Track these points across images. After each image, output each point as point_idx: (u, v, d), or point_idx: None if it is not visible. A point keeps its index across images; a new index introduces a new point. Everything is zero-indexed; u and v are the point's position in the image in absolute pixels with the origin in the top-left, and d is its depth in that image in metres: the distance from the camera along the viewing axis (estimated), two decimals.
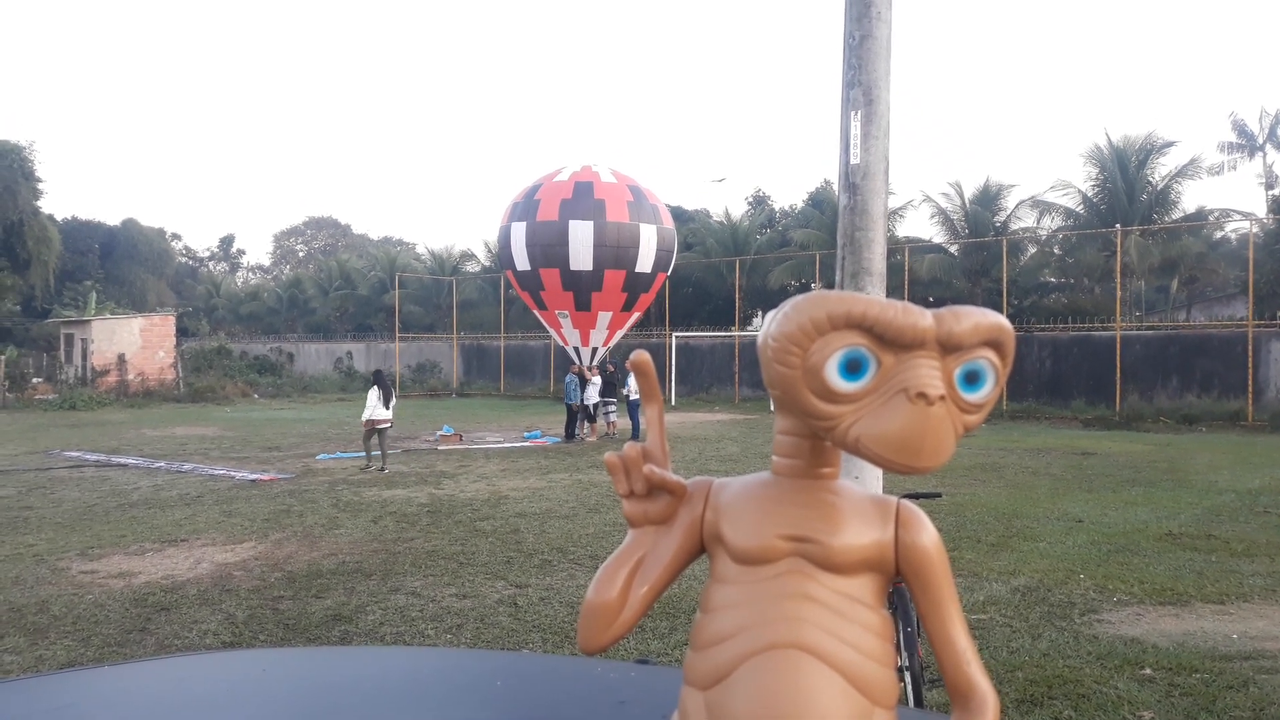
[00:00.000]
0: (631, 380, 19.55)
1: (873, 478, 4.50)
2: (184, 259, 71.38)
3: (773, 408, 0.87)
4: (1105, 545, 8.56)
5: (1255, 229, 26.52)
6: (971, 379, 0.80)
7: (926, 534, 0.86)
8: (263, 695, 1.18)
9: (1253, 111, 49.37)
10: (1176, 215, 29.87)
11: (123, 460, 15.44)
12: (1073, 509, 10.41)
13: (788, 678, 0.79)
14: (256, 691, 1.19)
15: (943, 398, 0.76)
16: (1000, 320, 0.80)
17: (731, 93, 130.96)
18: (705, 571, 0.87)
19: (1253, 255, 23.65)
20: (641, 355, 0.92)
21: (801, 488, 0.86)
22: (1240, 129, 38.92)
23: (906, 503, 0.87)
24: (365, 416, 14.30)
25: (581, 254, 20.16)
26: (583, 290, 20.50)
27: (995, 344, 0.80)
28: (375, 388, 14.37)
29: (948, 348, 0.78)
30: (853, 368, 0.77)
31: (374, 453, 14.34)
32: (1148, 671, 5.23)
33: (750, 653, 0.80)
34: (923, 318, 0.77)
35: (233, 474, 13.61)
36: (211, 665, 1.45)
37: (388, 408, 14.20)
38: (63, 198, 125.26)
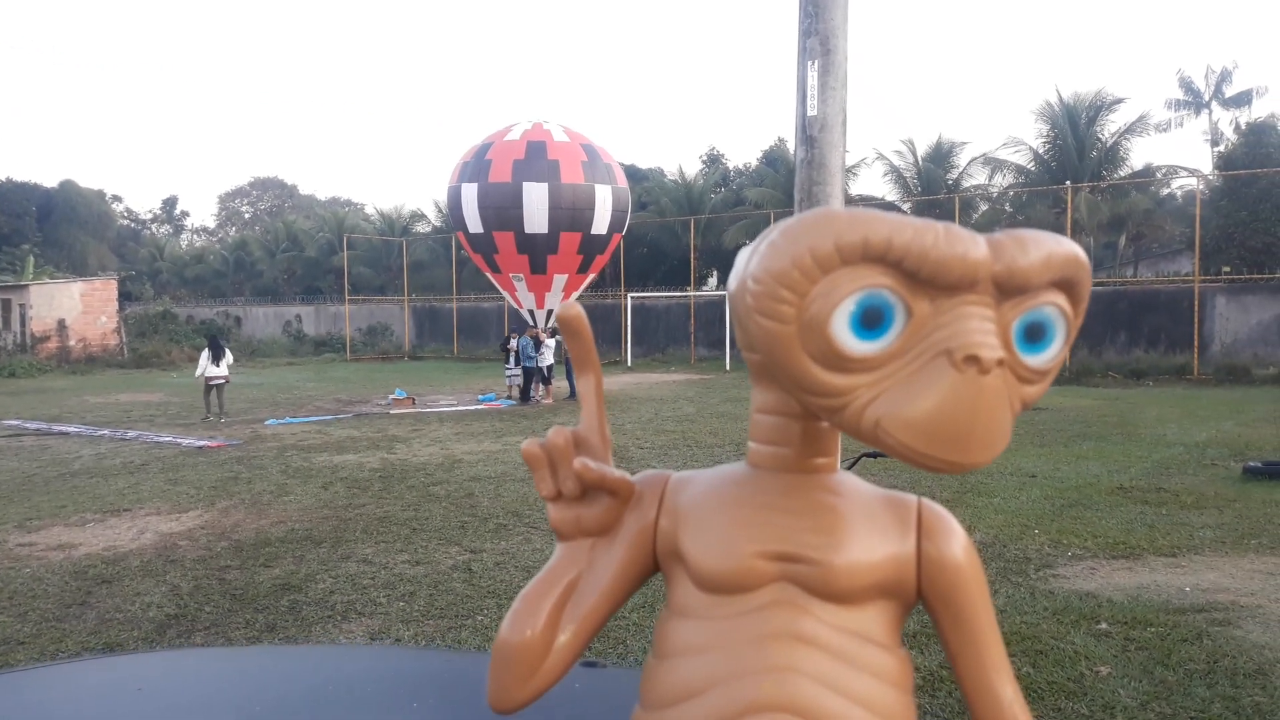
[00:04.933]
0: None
1: None
2: (125, 221, 69.58)
3: (751, 377, 0.65)
4: (1058, 500, 8.63)
5: (1201, 186, 26.88)
6: (1034, 334, 0.59)
7: (956, 542, 0.65)
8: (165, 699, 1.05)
9: (1199, 69, 49.98)
10: (1125, 172, 30.23)
11: (64, 428, 15.02)
12: (1025, 464, 10.49)
13: None
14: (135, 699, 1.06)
15: (1001, 362, 0.56)
16: (1077, 251, 0.60)
17: (684, 49, 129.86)
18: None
19: (1199, 212, 23.98)
20: (571, 310, 0.69)
21: (789, 486, 0.64)
22: (1187, 86, 39.43)
23: (931, 504, 0.66)
24: (197, 374, 16.52)
25: (536, 217, 19.83)
26: (538, 253, 20.20)
27: (1068, 285, 0.59)
28: (206, 349, 16.32)
29: (1006, 290, 0.57)
30: (871, 320, 0.55)
31: (213, 408, 15.94)
32: (1104, 626, 5.25)
33: (725, 718, 0.60)
34: (974, 246, 0.56)
35: (178, 441, 13.29)
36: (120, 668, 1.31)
37: (218, 365, 15.98)
38: None
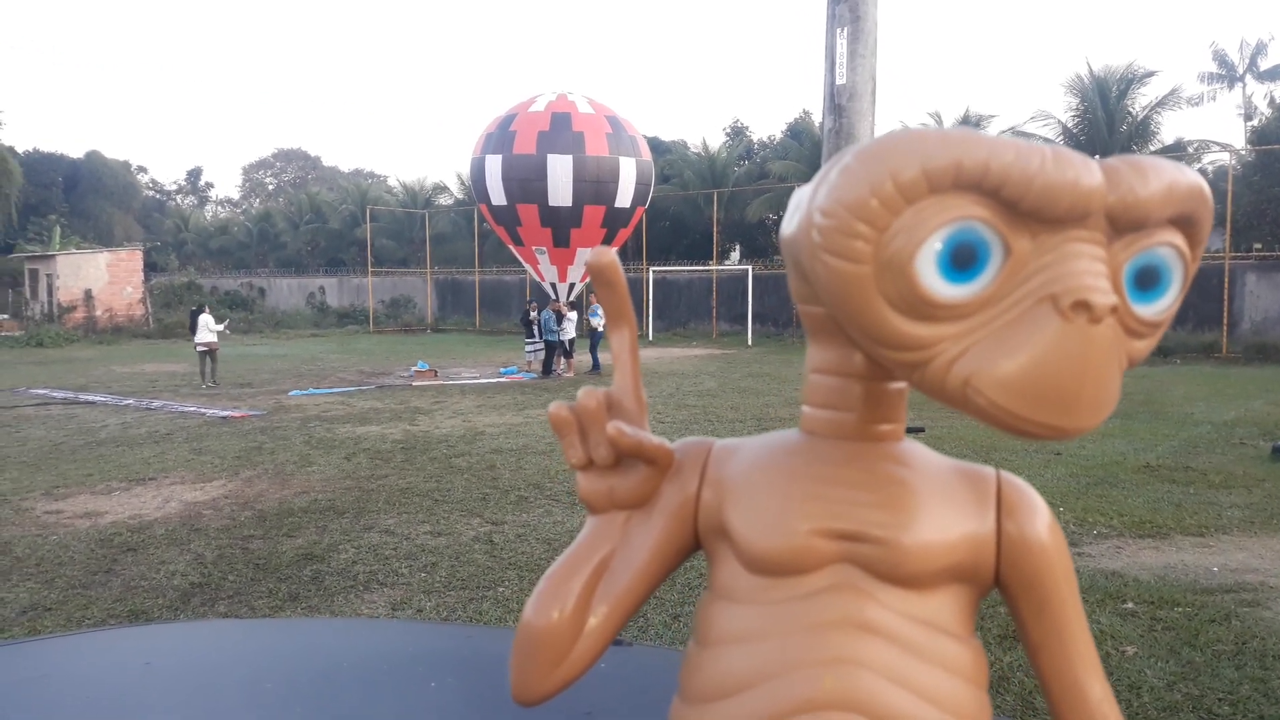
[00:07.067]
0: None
1: None
2: (150, 192, 69.99)
3: (805, 333, 0.58)
4: (1084, 478, 8.54)
5: (1233, 161, 26.43)
6: (1147, 280, 0.51)
7: (1041, 521, 0.59)
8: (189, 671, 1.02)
9: (1233, 42, 49.05)
10: (1155, 146, 29.68)
11: (90, 398, 15.16)
12: (1050, 441, 10.38)
13: None
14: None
15: (1114, 309, 0.47)
16: (1202, 184, 0.52)
17: (707, 18, 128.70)
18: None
19: (1231, 187, 23.57)
20: (604, 257, 0.61)
21: (850, 456, 0.57)
22: (1221, 59, 38.76)
23: (1012, 478, 0.59)
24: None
25: (561, 189, 19.69)
26: (561, 226, 20.08)
27: (1187, 222, 0.51)
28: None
29: (1120, 226, 0.49)
30: (963, 259, 0.47)
31: (207, 377, 16.93)
32: (1130, 605, 5.19)
33: (779, 715, 0.52)
34: (1087, 172, 0.48)
35: (203, 411, 13.38)
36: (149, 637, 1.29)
37: (194, 334, 17.35)
38: (23, 129, 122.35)
